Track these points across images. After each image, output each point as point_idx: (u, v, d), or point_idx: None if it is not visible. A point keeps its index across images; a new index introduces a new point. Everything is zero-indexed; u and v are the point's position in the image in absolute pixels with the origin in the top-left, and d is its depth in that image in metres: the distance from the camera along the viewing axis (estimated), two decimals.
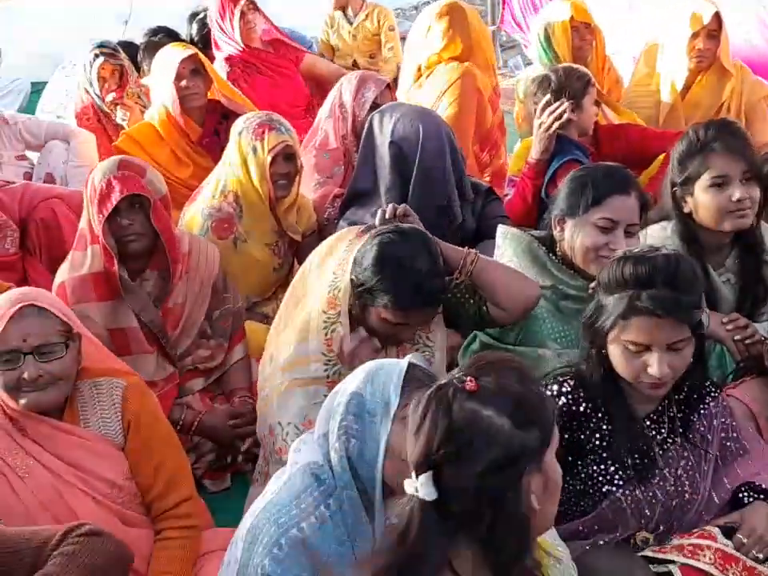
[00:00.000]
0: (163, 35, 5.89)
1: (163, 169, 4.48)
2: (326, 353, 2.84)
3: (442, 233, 3.60)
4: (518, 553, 1.71)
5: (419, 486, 1.68)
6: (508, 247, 3.13)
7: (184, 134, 4.60)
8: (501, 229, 3.20)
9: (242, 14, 5.56)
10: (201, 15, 6.19)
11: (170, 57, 4.58)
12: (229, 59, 5.61)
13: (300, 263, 3.95)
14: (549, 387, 2.47)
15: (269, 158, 3.73)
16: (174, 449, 2.76)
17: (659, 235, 3.17)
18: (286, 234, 3.92)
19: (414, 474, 1.70)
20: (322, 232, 3.93)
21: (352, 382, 2.17)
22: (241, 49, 5.60)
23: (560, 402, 2.44)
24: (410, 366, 2.15)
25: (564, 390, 2.47)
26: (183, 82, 4.51)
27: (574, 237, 2.99)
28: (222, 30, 5.66)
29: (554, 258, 3.06)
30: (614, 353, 2.39)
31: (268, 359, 3.03)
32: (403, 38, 8.62)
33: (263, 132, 3.75)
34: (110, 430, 2.66)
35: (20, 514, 2.50)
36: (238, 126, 3.86)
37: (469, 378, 1.70)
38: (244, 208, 3.85)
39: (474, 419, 1.67)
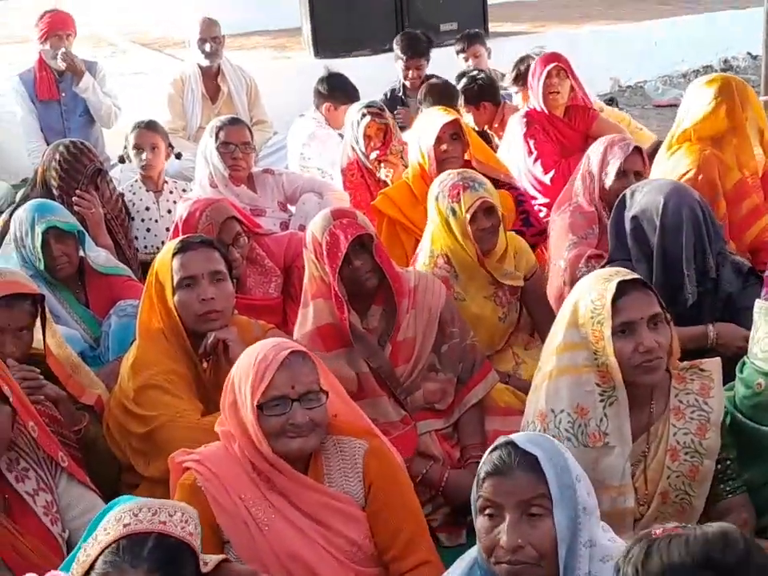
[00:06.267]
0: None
1: (417, 228, 4.62)
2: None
3: (679, 311, 3.55)
4: None
5: None
6: (764, 323, 3.02)
7: None
8: (759, 303, 3.07)
9: (548, 75, 5.53)
10: (472, 73, 6.25)
11: (433, 120, 4.75)
12: (527, 115, 5.61)
13: (527, 307, 4.05)
14: None
15: (467, 216, 3.81)
16: (413, 511, 2.75)
17: None
18: (504, 283, 3.96)
19: None
20: None
21: None
22: (539, 110, 5.60)
23: None
24: None
25: None
26: (443, 146, 4.65)
27: None
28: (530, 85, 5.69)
29: None
30: None
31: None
32: (670, 105, 8.56)
33: (458, 193, 3.85)
34: (351, 489, 2.70)
35: (256, 564, 2.53)
36: (433, 190, 3.98)
37: None
38: (457, 267, 3.94)
39: None
